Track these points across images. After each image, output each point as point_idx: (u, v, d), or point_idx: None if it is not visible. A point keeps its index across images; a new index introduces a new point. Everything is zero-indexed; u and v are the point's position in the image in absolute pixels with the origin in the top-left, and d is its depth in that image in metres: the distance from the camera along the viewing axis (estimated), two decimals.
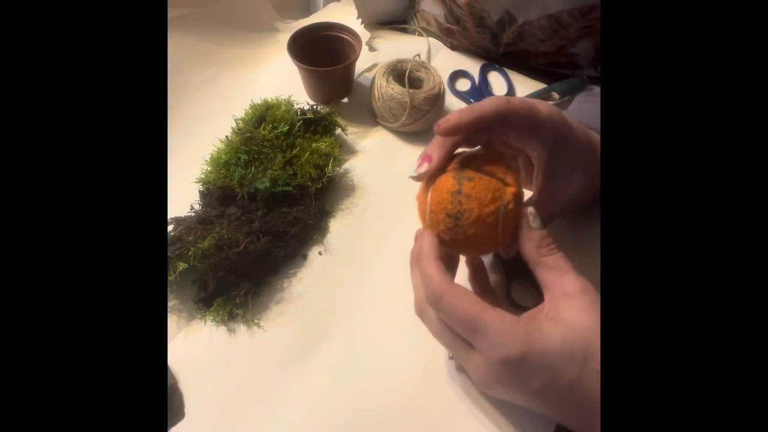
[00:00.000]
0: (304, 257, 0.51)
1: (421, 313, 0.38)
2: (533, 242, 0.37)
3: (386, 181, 0.57)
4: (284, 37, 0.62)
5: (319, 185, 0.53)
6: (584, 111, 0.48)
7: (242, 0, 0.71)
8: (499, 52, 0.70)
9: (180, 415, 0.41)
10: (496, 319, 0.33)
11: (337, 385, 0.43)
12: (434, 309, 0.36)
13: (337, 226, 0.53)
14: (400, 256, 0.51)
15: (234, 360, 0.44)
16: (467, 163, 0.38)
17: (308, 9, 0.82)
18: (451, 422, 0.41)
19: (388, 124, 0.62)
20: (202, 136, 0.57)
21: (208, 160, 0.54)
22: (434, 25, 0.74)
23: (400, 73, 0.62)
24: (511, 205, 0.37)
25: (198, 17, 0.67)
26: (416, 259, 0.38)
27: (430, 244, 0.37)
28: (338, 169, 0.57)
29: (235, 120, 0.56)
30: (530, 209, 0.38)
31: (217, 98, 0.64)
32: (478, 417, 0.41)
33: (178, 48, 0.64)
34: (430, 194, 0.38)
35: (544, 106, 0.39)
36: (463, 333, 0.35)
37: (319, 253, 0.51)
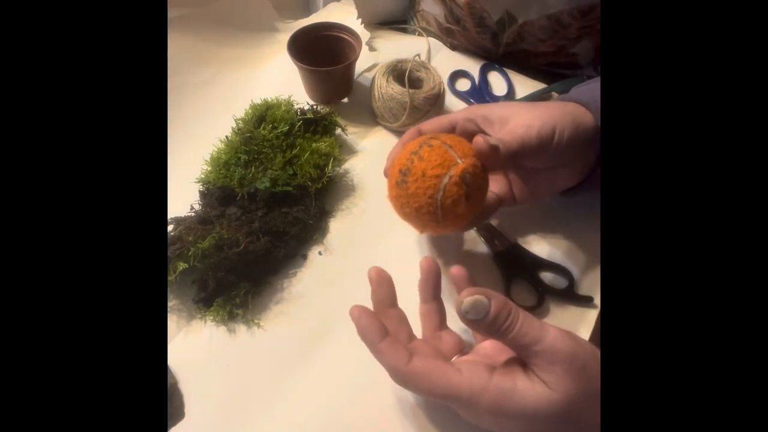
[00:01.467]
0: (304, 257, 0.51)
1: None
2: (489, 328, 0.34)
3: (386, 181, 0.57)
4: (284, 37, 0.62)
5: (319, 185, 0.53)
6: (582, 90, 0.48)
7: (242, 0, 0.70)
8: (499, 52, 0.70)
9: (180, 415, 0.41)
10: (464, 385, 0.33)
11: (337, 385, 0.43)
12: (410, 389, 0.36)
13: (337, 226, 0.53)
14: (400, 255, 0.51)
15: (234, 360, 0.44)
16: (439, 137, 0.41)
17: (308, 9, 0.82)
18: (451, 422, 0.41)
19: (388, 124, 0.62)
20: (202, 136, 0.57)
21: (208, 160, 0.54)
22: (434, 25, 0.74)
23: (400, 73, 0.62)
24: (455, 179, 0.38)
25: (198, 17, 0.67)
26: (367, 344, 0.37)
27: (367, 326, 0.36)
28: (338, 169, 0.57)
29: (235, 120, 0.56)
30: (464, 305, 0.34)
31: (217, 98, 0.64)
32: None
33: (178, 48, 0.64)
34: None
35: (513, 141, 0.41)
36: (446, 402, 0.35)
37: (319, 253, 0.51)
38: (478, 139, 0.40)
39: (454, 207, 0.39)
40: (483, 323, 0.33)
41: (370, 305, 0.48)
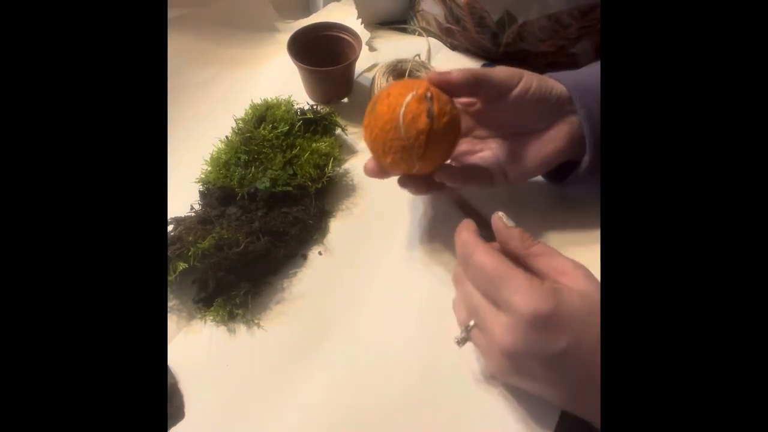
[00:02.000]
0: (304, 257, 0.51)
1: (455, 281, 0.41)
2: (515, 239, 0.39)
3: (386, 181, 0.57)
4: (284, 37, 0.62)
5: (319, 185, 0.53)
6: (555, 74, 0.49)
7: (242, 0, 0.70)
8: (499, 52, 0.70)
9: (180, 415, 0.41)
10: (525, 277, 0.35)
11: (337, 384, 0.43)
12: (466, 268, 0.38)
13: (337, 226, 0.53)
14: (400, 255, 0.51)
15: (234, 360, 0.44)
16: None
17: (308, 9, 0.82)
18: (452, 422, 0.41)
19: None
20: (202, 136, 0.57)
21: (208, 160, 0.54)
22: (434, 25, 0.74)
23: (400, 73, 0.62)
24: (417, 96, 0.40)
25: (198, 17, 0.67)
26: (457, 234, 0.40)
27: (468, 220, 0.41)
28: (338, 169, 0.57)
29: (235, 120, 0.56)
30: (500, 213, 0.40)
31: (217, 98, 0.64)
32: (479, 416, 0.41)
33: (178, 48, 0.64)
34: None
35: (501, 72, 0.44)
36: (493, 289, 0.36)
37: (319, 253, 0.51)
38: (430, 75, 0.43)
39: (414, 122, 0.40)
40: (515, 231, 0.39)
41: (370, 305, 0.48)
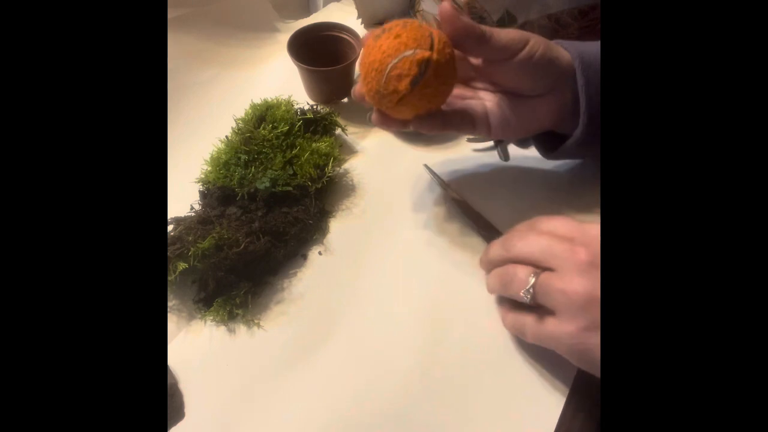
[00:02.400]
0: (304, 257, 0.51)
1: (513, 237, 0.42)
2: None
3: (386, 181, 0.57)
4: (284, 37, 0.62)
5: (319, 185, 0.53)
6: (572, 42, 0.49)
7: (242, 0, 0.71)
8: None
9: (180, 415, 0.41)
10: (558, 239, 0.38)
11: (338, 384, 0.43)
12: (546, 220, 0.41)
13: (337, 226, 0.53)
14: (401, 255, 0.51)
15: (234, 360, 0.44)
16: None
17: (308, 9, 0.82)
18: (452, 422, 0.41)
19: None
20: (202, 136, 0.57)
21: (208, 160, 0.54)
22: (434, 25, 0.74)
23: None
24: (416, 60, 0.38)
25: (198, 17, 0.67)
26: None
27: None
28: (338, 169, 0.57)
29: (235, 120, 0.56)
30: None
31: (217, 98, 0.64)
32: (479, 415, 0.41)
33: (178, 48, 0.64)
34: None
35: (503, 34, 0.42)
36: (569, 231, 0.39)
37: (319, 253, 0.51)
38: (443, 5, 0.40)
39: (397, 80, 0.39)
40: None
41: (370, 305, 0.48)
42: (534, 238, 0.40)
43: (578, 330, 0.36)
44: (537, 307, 0.39)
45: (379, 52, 0.39)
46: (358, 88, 0.44)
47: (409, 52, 0.38)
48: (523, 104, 0.46)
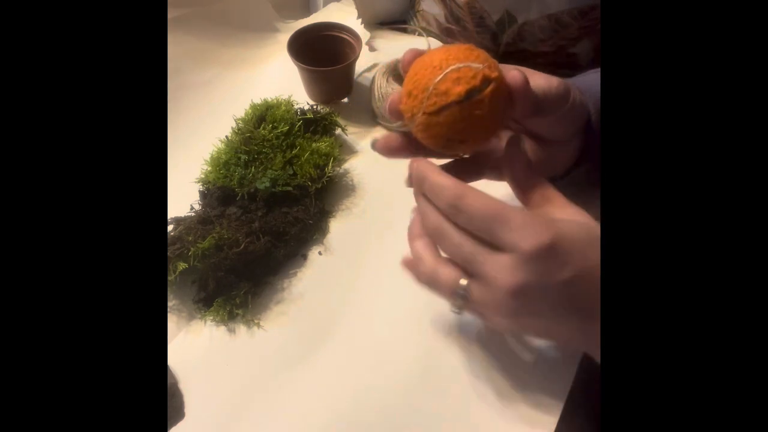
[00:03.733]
0: (304, 257, 0.51)
1: (435, 233, 0.37)
2: (519, 165, 0.38)
3: (386, 181, 0.57)
4: (284, 37, 0.62)
5: (319, 185, 0.53)
6: (578, 79, 0.48)
7: (242, 0, 0.70)
8: (499, 52, 0.70)
9: (180, 415, 0.41)
10: (518, 212, 0.33)
11: (338, 384, 0.43)
12: (455, 213, 0.34)
13: (337, 226, 0.53)
14: (401, 255, 0.51)
15: (234, 360, 0.44)
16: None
17: (308, 9, 0.82)
18: (452, 422, 0.41)
19: (388, 124, 0.61)
20: (202, 136, 0.57)
21: (208, 160, 0.54)
22: (434, 25, 0.74)
23: (400, 73, 0.62)
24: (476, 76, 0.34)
25: (198, 17, 0.67)
26: (420, 182, 0.37)
27: (428, 163, 0.37)
28: (338, 169, 0.57)
29: (235, 120, 0.56)
30: (519, 135, 0.38)
31: (217, 98, 0.64)
32: (479, 417, 0.41)
33: (178, 48, 0.64)
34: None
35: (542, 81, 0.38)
36: (488, 230, 0.33)
37: (319, 253, 0.51)
38: (515, 73, 0.36)
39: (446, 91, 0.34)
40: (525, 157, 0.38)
41: (370, 305, 0.48)
42: (452, 242, 0.36)
43: (508, 316, 0.35)
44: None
45: (445, 52, 0.35)
46: (393, 98, 0.38)
47: (476, 65, 0.34)
48: (545, 149, 0.44)
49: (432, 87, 0.34)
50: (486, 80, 0.34)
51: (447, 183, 0.35)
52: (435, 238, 0.37)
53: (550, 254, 0.32)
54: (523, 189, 0.38)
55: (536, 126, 0.42)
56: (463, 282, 0.35)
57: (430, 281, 0.37)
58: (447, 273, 0.36)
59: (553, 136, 0.44)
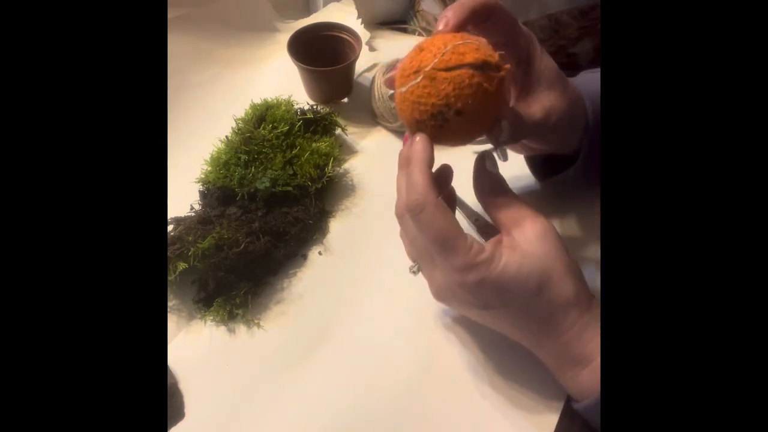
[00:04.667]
0: (304, 257, 0.51)
1: (400, 217, 0.39)
2: (488, 187, 0.39)
3: (386, 181, 0.57)
4: (284, 37, 0.62)
5: (319, 185, 0.53)
6: (584, 79, 0.48)
7: (242, 0, 0.70)
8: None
9: (180, 415, 0.41)
10: (465, 248, 0.35)
11: (337, 384, 0.43)
12: (412, 218, 0.36)
13: (337, 226, 0.53)
14: (401, 255, 0.51)
15: (234, 360, 0.44)
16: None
17: (308, 9, 0.82)
18: (452, 422, 0.41)
19: (388, 124, 0.62)
20: (202, 136, 0.57)
21: (208, 160, 0.54)
22: (434, 25, 0.74)
23: None
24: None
25: (198, 17, 0.67)
26: (406, 161, 0.37)
27: (423, 149, 0.36)
28: (338, 169, 0.57)
29: (235, 120, 0.56)
30: (489, 152, 0.39)
31: (217, 98, 0.64)
32: (479, 416, 0.41)
33: (178, 48, 0.64)
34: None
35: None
36: (433, 250, 0.36)
37: (319, 253, 0.51)
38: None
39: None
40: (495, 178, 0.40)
41: (370, 305, 0.48)
42: (411, 232, 0.38)
43: (440, 297, 0.40)
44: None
45: (467, 33, 0.35)
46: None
47: (487, 50, 0.34)
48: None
49: (451, 46, 0.34)
50: (501, 67, 0.34)
51: (419, 186, 0.35)
52: (399, 220, 0.39)
53: (472, 290, 0.36)
54: (490, 210, 0.39)
55: (534, 143, 0.44)
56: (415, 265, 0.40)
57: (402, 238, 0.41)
58: (408, 246, 0.40)
59: (552, 149, 0.45)
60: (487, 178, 0.39)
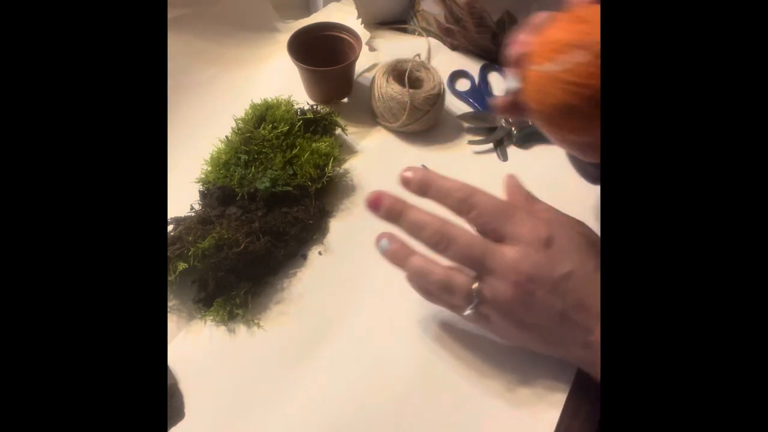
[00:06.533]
0: (304, 257, 0.51)
1: (441, 238, 0.38)
2: (523, 197, 0.42)
3: (386, 181, 0.57)
4: (284, 37, 0.62)
5: (319, 185, 0.53)
6: None
7: (242, 0, 0.70)
8: (499, 52, 0.70)
9: (180, 415, 0.41)
10: (523, 210, 0.38)
11: (337, 384, 0.43)
12: (468, 209, 0.38)
13: (337, 226, 0.53)
14: None
15: (234, 360, 0.44)
16: None
17: (308, 9, 0.82)
18: (452, 422, 0.41)
19: (388, 124, 0.62)
20: (202, 136, 0.57)
21: (208, 160, 0.54)
22: (434, 25, 0.74)
23: (400, 73, 0.62)
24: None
25: (198, 17, 0.67)
26: (425, 186, 0.39)
27: (432, 172, 0.40)
28: (338, 169, 0.57)
29: (235, 120, 0.56)
30: (513, 175, 0.42)
31: (217, 98, 0.64)
32: (479, 414, 0.41)
33: (178, 48, 0.64)
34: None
35: None
36: (495, 223, 0.37)
37: (319, 253, 0.51)
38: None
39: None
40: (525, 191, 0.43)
41: (370, 305, 0.48)
42: (463, 242, 0.37)
43: (509, 315, 0.38)
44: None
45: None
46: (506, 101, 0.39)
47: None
48: None
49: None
50: None
51: (456, 184, 0.38)
52: (439, 246, 0.38)
53: (549, 246, 0.36)
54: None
55: None
56: (475, 285, 0.37)
57: (444, 288, 0.39)
58: (461, 278, 0.38)
59: None
60: (521, 192, 0.43)
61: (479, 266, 0.37)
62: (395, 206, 0.39)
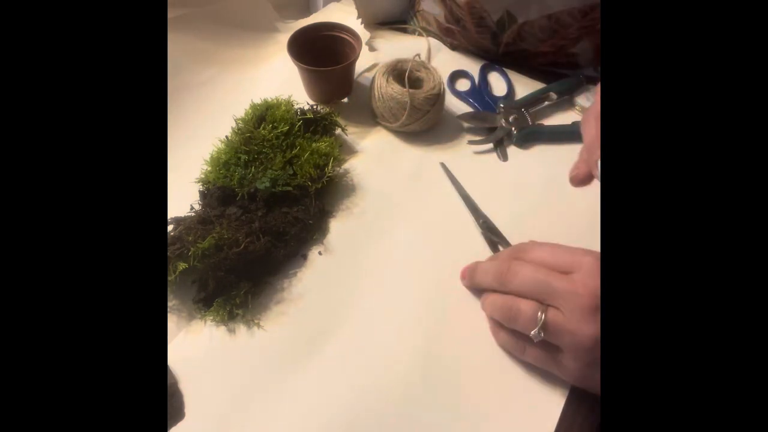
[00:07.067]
0: (304, 257, 0.51)
1: (508, 272, 0.42)
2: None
3: (386, 181, 0.57)
4: (284, 37, 0.62)
5: (319, 185, 0.53)
6: None
7: (242, 0, 0.71)
8: (499, 52, 0.70)
9: (180, 415, 0.41)
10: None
11: (338, 384, 0.43)
12: (529, 253, 0.42)
13: (337, 226, 0.53)
14: (401, 255, 0.51)
15: (234, 360, 0.44)
16: None
17: (308, 9, 0.82)
18: (452, 422, 0.41)
19: (388, 124, 0.62)
20: (202, 136, 0.57)
21: (208, 160, 0.54)
22: (434, 25, 0.74)
23: (400, 73, 0.62)
24: None
25: (198, 17, 0.67)
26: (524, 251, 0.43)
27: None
28: (338, 169, 0.57)
29: (235, 120, 0.56)
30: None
31: (217, 98, 0.64)
32: (479, 414, 0.41)
33: (178, 48, 0.64)
34: None
35: None
36: (560, 259, 0.40)
37: (319, 253, 0.51)
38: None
39: None
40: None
41: (370, 305, 0.48)
42: (530, 273, 0.40)
43: (584, 366, 0.38)
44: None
45: None
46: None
47: None
48: None
49: None
50: None
51: (530, 248, 0.43)
52: (508, 276, 0.42)
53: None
54: None
55: None
56: (541, 313, 0.39)
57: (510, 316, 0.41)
58: (525, 308, 0.40)
59: None
60: None
61: (543, 297, 0.39)
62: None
